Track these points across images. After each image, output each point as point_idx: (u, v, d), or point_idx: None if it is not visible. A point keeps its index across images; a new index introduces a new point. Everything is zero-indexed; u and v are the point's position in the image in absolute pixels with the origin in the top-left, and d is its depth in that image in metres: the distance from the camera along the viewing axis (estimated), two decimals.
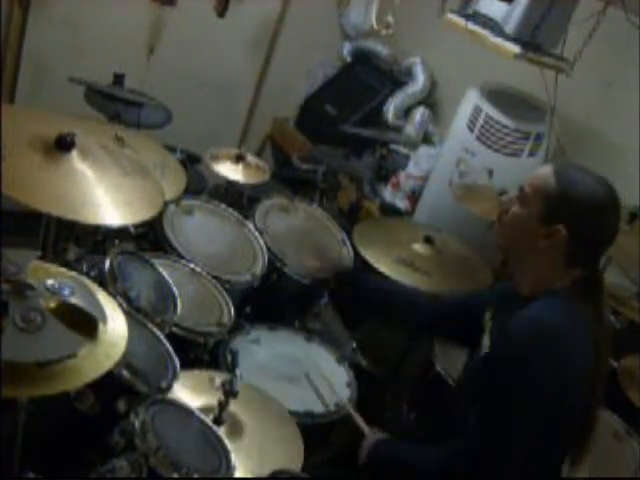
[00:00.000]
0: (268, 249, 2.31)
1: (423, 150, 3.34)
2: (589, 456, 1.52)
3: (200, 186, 2.97)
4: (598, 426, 1.49)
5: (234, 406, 1.60)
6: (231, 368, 1.77)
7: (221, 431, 1.51)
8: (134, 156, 1.89)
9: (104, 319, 1.29)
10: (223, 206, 2.43)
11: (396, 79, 3.69)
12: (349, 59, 3.95)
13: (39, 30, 3.16)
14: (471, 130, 2.87)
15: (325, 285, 2.27)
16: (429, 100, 3.62)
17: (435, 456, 1.50)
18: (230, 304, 2.07)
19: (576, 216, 1.40)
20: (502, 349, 1.44)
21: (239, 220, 2.40)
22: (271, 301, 2.32)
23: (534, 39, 2.45)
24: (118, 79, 2.74)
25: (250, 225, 2.38)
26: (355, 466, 1.69)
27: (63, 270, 1.44)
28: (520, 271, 1.53)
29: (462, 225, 2.70)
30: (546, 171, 1.45)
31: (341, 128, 3.27)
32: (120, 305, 1.50)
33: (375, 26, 3.22)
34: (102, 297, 1.39)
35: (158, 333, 1.68)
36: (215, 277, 2.11)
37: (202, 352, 1.91)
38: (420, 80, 3.59)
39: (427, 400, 2.20)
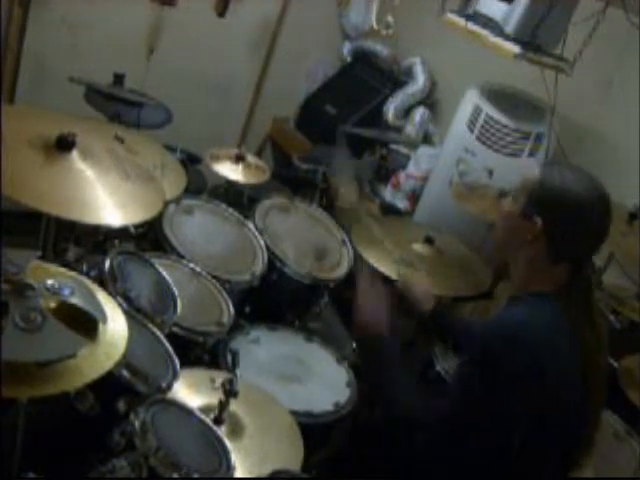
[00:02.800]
0: (268, 249, 2.31)
1: (423, 150, 3.34)
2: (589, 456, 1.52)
3: (200, 186, 2.97)
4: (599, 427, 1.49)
5: (234, 406, 1.60)
6: (231, 368, 1.77)
7: (221, 431, 1.51)
8: (139, 161, 1.88)
9: (104, 319, 1.29)
10: (223, 206, 2.43)
11: (396, 79, 3.69)
12: (349, 59, 3.96)
13: (39, 30, 3.16)
14: (471, 130, 2.87)
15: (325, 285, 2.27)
16: (429, 100, 3.63)
17: (419, 402, 1.49)
18: (230, 304, 2.06)
19: (551, 208, 1.40)
20: (470, 349, 1.45)
21: (239, 220, 2.40)
22: (271, 301, 2.32)
23: (534, 39, 2.45)
24: (118, 79, 2.74)
25: (250, 225, 2.38)
26: (355, 466, 1.69)
27: (63, 270, 1.44)
28: (513, 269, 1.53)
29: (462, 225, 2.70)
30: (534, 168, 1.47)
31: (341, 128, 3.27)
32: (120, 305, 1.50)
33: (375, 26, 3.22)
34: (102, 297, 1.39)
35: (158, 333, 1.68)
36: (215, 277, 2.11)
37: (202, 352, 1.91)
38: (420, 80, 3.59)
39: (427, 400, 2.20)
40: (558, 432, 1.41)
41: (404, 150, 3.41)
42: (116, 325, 1.33)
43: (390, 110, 3.55)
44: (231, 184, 2.74)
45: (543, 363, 1.34)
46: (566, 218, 1.40)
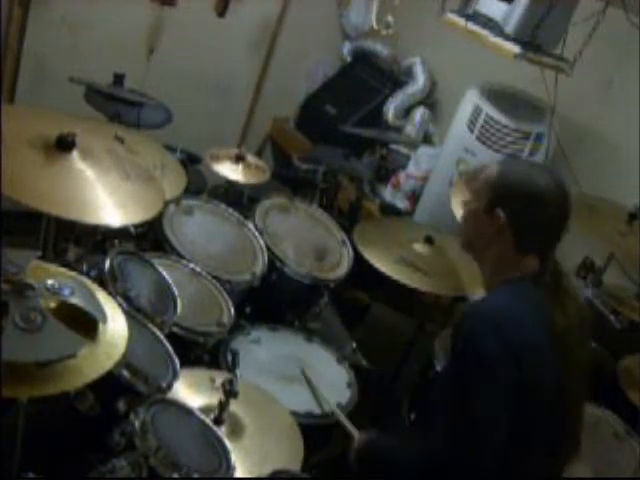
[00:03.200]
0: (268, 249, 2.31)
1: (423, 150, 3.34)
2: (589, 456, 1.51)
3: (200, 186, 2.97)
4: (598, 426, 1.49)
5: (234, 406, 1.60)
6: (231, 368, 1.77)
7: (221, 431, 1.51)
8: (139, 161, 1.88)
9: (104, 319, 1.29)
10: (223, 206, 2.43)
11: (396, 79, 3.69)
12: (349, 59, 3.95)
13: (39, 30, 3.16)
14: (471, 130, 2.87)
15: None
16: (429, 100, 3.62)
17: (415, 450, 1.49)
18: (230, 304, 2.06)
19: (512, 200, 1.43)
20: (453, 338, 1.46)
21: (239, 220, 2.40)
22: (271, 301, 2.32)
23: (534, 39, 2.45)
24: (118, 79, 2.74)
25: (250, 225, 2.38)
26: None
27: (63, 270, 1.45)
28: (481, 268, 1.54)
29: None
30: (493, 165, 1.49)
31: (341, 128, 3.27)
32: (120, 305, 1.50)
33: (375, 26, 3.22)
34: (102, 297, 1.39)
35: (158, 333, 1.68)
36: (215, 277, 2.11)
37: (202, 352, 1.91)
38: (420, 80, 3.59)
39: (427, 400, 2.20)
40: (535, 416, 1.41)
41: (404, 150, 3.41)
42: (116, 325, 1.33)
43: (390, 110, 3.55)
44: (231, 184, 2.74)
45: (521, 342, 1.36)
46: (528, 208, 1.43)
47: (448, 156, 3.00)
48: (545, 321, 1.41)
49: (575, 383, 1.47)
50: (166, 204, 2.13)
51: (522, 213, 1.43)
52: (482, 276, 1.54)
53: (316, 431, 1.83)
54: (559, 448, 1.50)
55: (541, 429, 1.43)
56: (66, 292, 1.27)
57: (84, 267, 1.80)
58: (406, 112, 3.58)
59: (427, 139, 3.54)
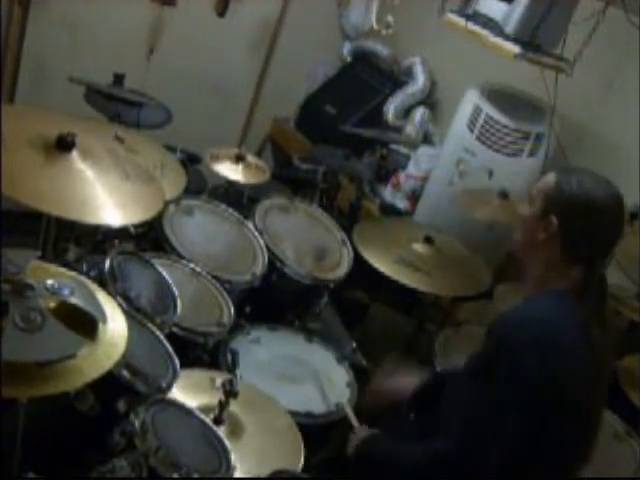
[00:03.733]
0: (268, 249, 2.31)
1: (423, 150, 3.34)
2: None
3: (200, 186, 2.97)
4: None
5: (234, 406, 1.60)
6: (231, 368, 1.77)
7: (221, 431, 1.51)
8: (139, 161, 1.88)
9: (104, 319, 1.29)
10: (223, 206, 2.43)
11: (396, 79, 3.69)
12: (349, 59, 3.95)
13: (39, 30, 3.16)
14: (471, 130, 2.87)
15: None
16: (429, 100, 3.62)
17: (419, 451, 1.49)
18: (230, 304, 2.06)
19: (567, 208, 1.43)
20: (485, 343, 1.45)
21: (239, 220, 2.40)
22: (271, 301, 2.32)
23: (534, 39, 2.45)
24: (118, 79, 2.74)
25: (250, 225, 2.38)
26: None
27: (63, 270, 1.44)
28: (528, 273, 1.54)
29: (462, 225, 2.70)
30: (551, 173, 1.50)
31: (341, 128, 3.27)
32: (120, 305, 1.50)
33: (375, 26, 3.22)
34: (102, 297, 1.39)
35: (158, 333, 1.68)
36: (215, 277, 2.11)
37: (202, 352, 1.91)
38: (420, 80, 3.59)
39: (427, 400, 2.20)
40: (564, 432, 1.40)
41: (404, 150, 3.41)
42: (116, 325, 1.33)
43: (390, 110, 3.55)
44: (231, 184, 2.74)
45: (558, 360, 1.35)
46: (581, 218, 1.43)
47: (448, 156, 3.00)
48: (586, 338, 1.40)
49: (600, 398, 1.47)
50: (166, 204, 2.13)
51: (573, 221, 1.43)
52: (527, 281, 1.53)
53: (316, 431, 1.83)
54: (579, 460, 1.50)
55: (570, 443, 1.43)
56: (66, 292, 1.27)
57: (84, 267, 1.80)
58: (406, 112, 3.58)
59: (427, 139, 3.54)
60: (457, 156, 2.92)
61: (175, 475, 1.32)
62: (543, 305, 1.45)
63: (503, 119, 2.79)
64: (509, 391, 1.34)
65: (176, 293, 1.86)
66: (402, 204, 3.28)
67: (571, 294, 1.43)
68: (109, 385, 1.37)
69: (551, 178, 1.48)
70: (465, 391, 1.46)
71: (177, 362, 1.64)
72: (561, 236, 1.44)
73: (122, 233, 2.19)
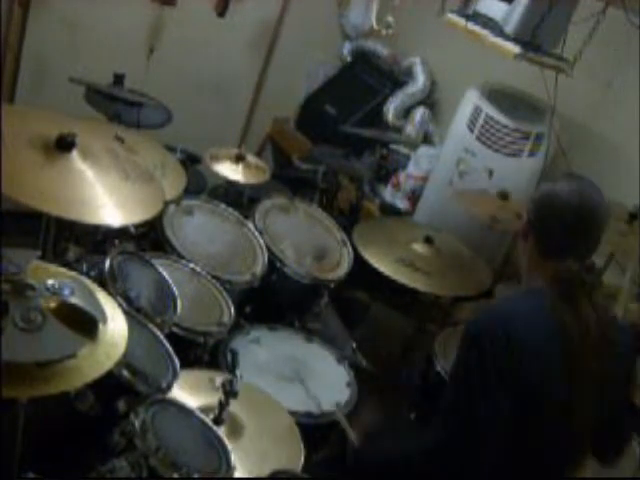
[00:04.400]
0: (268, 249, 2.31)
1: (423, 150, 3.34)
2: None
3: (200, 186, 2.97)
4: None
5: (234, 406, 1.60)
6: (231, 368, 1.77)
7: (221, 431, 1.51)
8: (139, 161, 1.88)
9: (104, 319, 1.29)
10: (223, 206, 2.43)
11: (396, 79, 3.69)
12: (349, 59, 3.95)
13: (39, 30, 3.16)
14: (471, 130, 2.87)
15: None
16: (429, 100, 3.62)
17: (412, 447, 1.51)
18: (230, 304, 2.07)
19: (535, 208, 1.55)
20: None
21: (239, 220, 2.40)
22: (271, 301, 2.32)
23: (534, 39, 2.45)
24: (118, 79, 2.74)
25: (250, 225, 2.38)
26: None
27: (63, 270, 1.44)
28: (521, 272, 1.61)
29: (462, 225, 2.70)
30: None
31: (341, 128, 3.27)
32: (120, 305, 1.50)
33: (375, 26, 3.22)
34: (102, 297, 1.39)
35: (158, 333, 1.68)
36: (215, 277, 2.11)
37: (202, 352, 1.91)
38: (420, 80, 3.59)
39: (427, 400, 2.20)
40: (537, 418, 1.43)
41: (404, 150, 3.41)
42: (116, 325, 1.33)
43: (390, 110, 3.55)
44: (231, 184, 2.74)
45: (524, 340, 1.41)
46: (545, 217, 1.52)
47: (448, 156, 3.00)
48: (554, 326, 1.43)
49: (585, 397, 1.45)
50: (166, 204, 2.13)
51: (540, 220, 1.53)
52: (522, 280, 1.62)
53: (315, 431, 1.83)
54: (566, 453, 1.51)
55: (546, 431, 1.44)
56: (66, 292, 1.27)
57: (84, 267, 1.80)
58: (406, 112, 3.58)
59: (427, 139, 3.54)
60: (457, 156, 2.92)
61: (175, 475, 1.32)
62: (510, 299, 1.58)
63: (503, 119, 2.79)
64: (477, 377, 1.40)
65: (176, 293, 1.86)
66: (402, 204, 3.28)
67: (547, 290, 1.48)
68: (109, 385, 1.37)
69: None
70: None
71: (177, 362, 1.64)
72: (534, 234, 1.54)
73: (122, 233, 2.19)
